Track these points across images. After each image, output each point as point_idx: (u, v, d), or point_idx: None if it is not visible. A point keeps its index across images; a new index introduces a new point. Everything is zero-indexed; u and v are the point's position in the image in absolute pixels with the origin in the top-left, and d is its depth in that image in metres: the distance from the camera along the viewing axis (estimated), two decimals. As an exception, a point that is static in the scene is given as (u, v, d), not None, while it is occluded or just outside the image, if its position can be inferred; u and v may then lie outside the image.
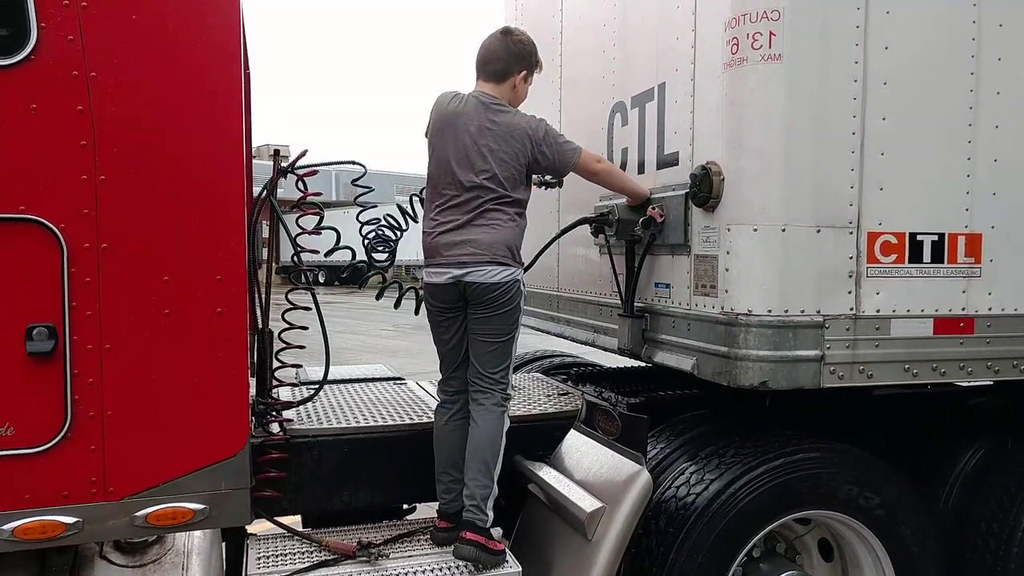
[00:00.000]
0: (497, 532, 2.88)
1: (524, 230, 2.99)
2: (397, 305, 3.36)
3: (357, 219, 3.27)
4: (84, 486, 2.21)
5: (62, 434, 2.18)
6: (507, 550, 2.86)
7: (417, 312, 3.29)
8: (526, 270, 3.13)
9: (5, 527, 2.15)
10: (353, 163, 3.06)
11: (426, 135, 3.06)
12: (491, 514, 2.81)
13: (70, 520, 2.20)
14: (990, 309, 2.86)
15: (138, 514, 2.26)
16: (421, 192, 3.20)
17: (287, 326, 2.91)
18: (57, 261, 2.14)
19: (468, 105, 2.96)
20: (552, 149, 2.95)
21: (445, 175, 2.92)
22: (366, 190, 3.12)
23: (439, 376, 3.11)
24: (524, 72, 3.04)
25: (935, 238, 2.78)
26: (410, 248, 4.03)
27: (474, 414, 2.91)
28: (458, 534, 2.77)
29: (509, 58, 3.01)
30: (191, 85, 2.24)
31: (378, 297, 3.60)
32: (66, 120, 2.13)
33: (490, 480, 2.83)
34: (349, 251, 3.08)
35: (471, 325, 2.93)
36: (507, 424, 2.93)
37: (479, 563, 2.71)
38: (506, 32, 3.06)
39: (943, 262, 2.79)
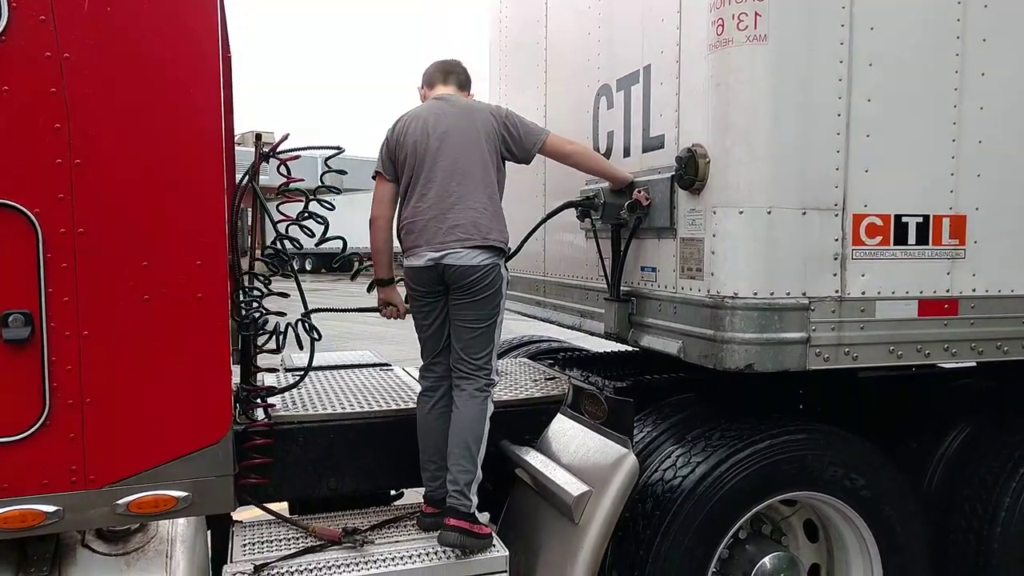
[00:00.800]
0: (484, 517, 2.87)
1: (501, 210, 2.99)
2: (371, 289, 3.32)
3: (318, 202, 3.05)
4: (64, 474, 2.19)
5: (40, 422, 2.15)
6: (494, 534, 2.86)
7: (370, 290, 3.28)
8: (511, 257, 3.11)
9: (-16, 516, 2.12)
10: (334, 148, 3.02)
11: (379, 170, 3.06)
12: (475, 499, 2.80)
13: (50, 509, 2.18)
14: (974, 290, 2.86)
15: (120, 502, 2.24)
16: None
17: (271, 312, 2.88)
18: (32, 247, 2.10)
19: (426, 106, 3.05)
20: (517, 128, 3.00)
21: (419, 166, 2.93)
22: (330, 171, 3.05)
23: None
24: (472, 96, 3.24)
25: (920, 220, 2.78)
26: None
27: (457, 400, 2.89)
28: (443, 520, 2.75)
29: (468, 75, 3.24)
30: (168, 66, 2.20)
31: (353, 278, 3.55)
32: (39, 102, 2.09)
33: (473, 465, 2.81)
34: (341, 240, 3.04)
35: (452, 311, 2.91)
36: (491, 409, 2.91)
37: (464, 548, 2.71)
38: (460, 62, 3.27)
39: (928, 244, 2.79)
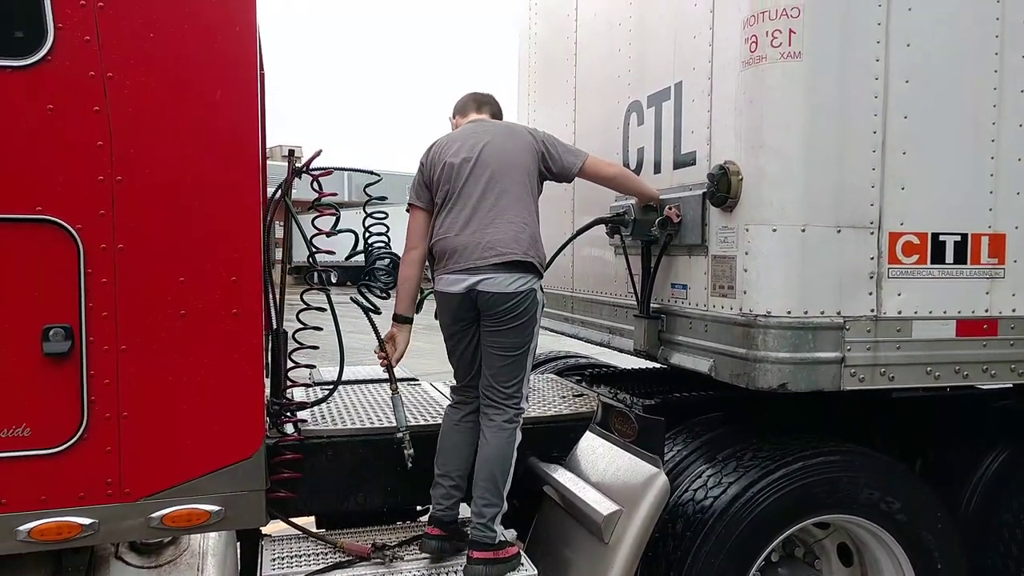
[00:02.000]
0: (511, 534, 2.85)
1: (539, 229, 2.94)
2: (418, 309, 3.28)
3: (363, 226, 3.11)
4: (100, 487, 2.21)
5: (78, 435, 2.17)
6: (522, 552, 2.84)
7: (418, 310, 3.19)
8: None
9: (21, 528, 2.15)
10: (370, 172, 3.05)
11: (411, 202, 3.01)
12: (500, 529, 2.74)
13: (86, 521, 2.20)
14: (1014, 311, 2.81)
15: (154, 515, 2.26)
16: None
17: (301, 326, 2.89)
18: (74, 262, 2.14)
19: (461, 129, 3.03)
20: (556, 148, 2.97)
21: (455, 180, 2.85)
22: (378, 199, 3.06)
23: (451, 377, 3.07)
24: None
25: (958, 238, 2.74)
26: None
27: (485, 429, 2.81)
28: (468, 553, 2.70)
29: (500, 108, 3.21)
30: (208, 86, 2.23)
31: (387, 296, 3.54)
32: (82, 120, 2.13)
33: (499, 499, 2.74)
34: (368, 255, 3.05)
35: (484, 337, 2.82)
36: (518, 439, 2.83)
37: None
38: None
39: (966, 263, 2.75)
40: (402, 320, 3.05)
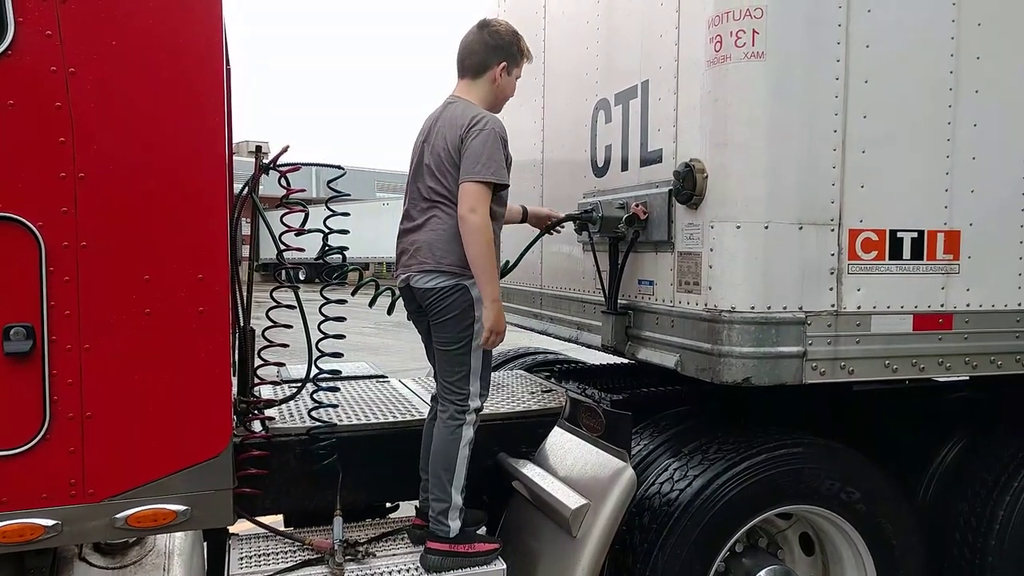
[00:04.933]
0: (482, 532, 2.88)
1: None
2: (371, 304, 3.31)
3: (325, 224, 2.96)
4: (63, 488, 2.18)
5: (40, 435, 2.14)
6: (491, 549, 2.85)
7: (390, 312, 3.22)
8: (507, 273, 3.08)
9: (-18, 530, 2.12)
10: (335, 167, 3.04)
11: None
12: (454, 524, 2.76)
13: (49, 523, 2.17)
14: (968, 305, 2.90)
15: (119, 516, 2.24)
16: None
17: (270, 324, 2.87)
18: (35, 260, 2.10)
19: (435, 110, 2.99)
20: (471, 148, 2.69)
21: (410, 181, 2.97)
22: (341, 195, 3.04)
23: (421, 374, 3.10)
24: (504, 64, 2.93)
25: (915, 235, 2.81)
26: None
27: (437, 424, 2.85)
28: (425, 543, 2.77)
29: (486, 51, 2.91)
30: (173, 81, 2.21)
31: (353, 293, 3.55)
32: (44, 116, 2.09)
33: (445, 495, 2.75)
34: (340, 254, 3.04)
35: (431, 331, 2.92)
36: (467, 437, 2.78)
37: (442, 569, 2.70)
38: (483, 25, 2.94)
39: (923, 259, 2.83)
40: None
